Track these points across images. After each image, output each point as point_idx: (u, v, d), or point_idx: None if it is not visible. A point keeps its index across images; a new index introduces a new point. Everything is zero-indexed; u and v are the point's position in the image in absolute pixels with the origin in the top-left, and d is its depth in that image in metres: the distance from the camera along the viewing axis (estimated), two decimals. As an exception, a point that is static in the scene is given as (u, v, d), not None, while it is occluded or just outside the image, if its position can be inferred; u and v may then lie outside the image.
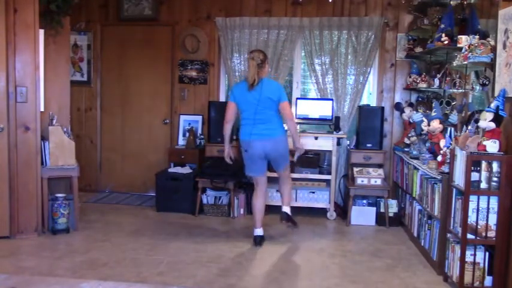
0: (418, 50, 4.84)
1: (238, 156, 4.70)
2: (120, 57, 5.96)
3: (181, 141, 5.70)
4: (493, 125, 3.07)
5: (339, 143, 5.19)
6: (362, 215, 4.88)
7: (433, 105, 4.28)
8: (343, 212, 5.12)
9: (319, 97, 5.35)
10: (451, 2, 4.19)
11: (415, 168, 4.20)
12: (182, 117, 5.75)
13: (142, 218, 4.92)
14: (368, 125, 4.98)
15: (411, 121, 4.69)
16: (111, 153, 6.08)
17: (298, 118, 5.23)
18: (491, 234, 3.06)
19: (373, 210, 4.90)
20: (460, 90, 4.19)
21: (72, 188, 4.38)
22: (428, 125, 4.13)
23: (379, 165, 5.04)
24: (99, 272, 3.41)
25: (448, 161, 3.47)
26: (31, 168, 4.12)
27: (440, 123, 4.05)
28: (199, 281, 3.31)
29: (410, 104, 5.10)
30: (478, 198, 3.06)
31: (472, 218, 3.08)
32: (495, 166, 3.03)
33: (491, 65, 3.37)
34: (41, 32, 4.21)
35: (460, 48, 3.68)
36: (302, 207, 5.14)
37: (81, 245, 4.03)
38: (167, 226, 4.65)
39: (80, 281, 3.08)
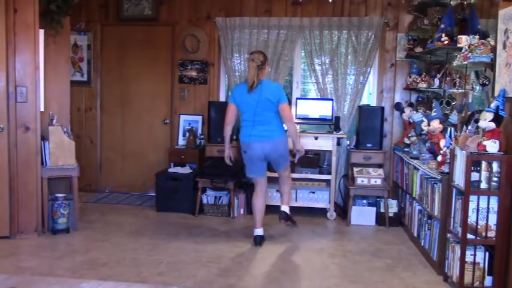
0: (418, 50, 4.84)
1: (238, 156, 4.70)
2: (120, 57, 5.96)
3: (181, 141, 5.70)
4: (493, 125, 3.07)
5: (339, 143, 5.20)
6: (362, 215, 4.88)
7: (433, 105, 4.28)
8: (343, 212, 5.12)
9: (319, 97, 5.36)
10: (451, 2, 4.20)
11: (415, 168, 4.20)
12: (182, 117, 5.75)
13: (142, 218, 4.92)
14: (368, 125, 4.98)
15: (411, 121, 4.69)
16: (111, 153, 6.09)
17: (298, 118, 5.24)
18: (491, 234, 3.06)
19: (373, 210, 4.90)
20: (460, 90, 4.20)
21: (72, 188, 4.38)
22: (428, 125, 4.13)
23: (379, 165, 5.04)
24: (99, 272, 3.41)
25: (448, 161, 3.47)
26: (31, 168, 4.12)
27: (440, 123, 4.05)
28: (199, 281, 3.31)
29: (410, 104, 5.10)
30: (478, 198, 3.06)
31: (472, 218, 3.08)
32: (495, 166, 3.03)
33: (491, 65, 3.37)
34: (41, 32, 4.21)
35: (460, 48, 3.68)
36: (302, 207, 5.14)
37: (81, 245, 4.03)
38: (167, 226, 4.65)
39: (80, 281, 3.08)
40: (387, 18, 5.27)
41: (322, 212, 5.14)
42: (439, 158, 3.65)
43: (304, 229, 4.66)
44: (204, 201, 5.09)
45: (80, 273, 3.38)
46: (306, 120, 5.28)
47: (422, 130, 4.30)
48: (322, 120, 5.23)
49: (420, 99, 5.11)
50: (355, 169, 4.97)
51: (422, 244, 3.98)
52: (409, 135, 4.65)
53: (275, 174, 4.42)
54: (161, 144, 5.90)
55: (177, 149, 5.59)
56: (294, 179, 4.94)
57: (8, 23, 3.94)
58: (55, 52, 4.44)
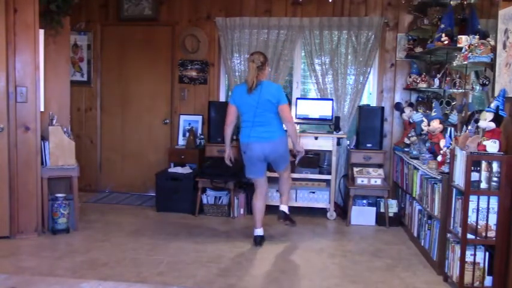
0: (418, 50, 4.84)
1: (238, 157, 4.70)
2: (120, 57, 5.96)
3: (181, 141, 5.70)
4: (493, 125, 3.07)
5: (339, 143, 5.20)
6: (362, 215, 4.88)
7: (433, 105, 4.28)
8: (343, 212, 5.12)
9: (319, 97, 5.36)
10: (451, 2, 4.20)
11: (415, 168, 4.20)
12: (182, 117, 5.75)
13: (142, 218, 4.92)
14: (368, 125, 4.98)
15: (411, 121, 4.69)
16: (111, 153, 6.09)
17: (298, 118, 5.24)
18: (491, 234, 3.06)
19: (373, 210, 4.90)
20: (460, 90, 4.20)
21: (72, 188, 4.38)
22: (428, 125, 4.13)
23: (379, 165, 5.04)
24: (99, 272, 3.41)
25: (448, 161, 3.47)
26: (31, 168, 4.12)
27: (440, 123, 4.05)
28: (199, 281, 3.31)
29: (410, 104, 5.10)
30: (478, 198, 3.06)
31: (472, 218, 3.08)
32: (495, 166, 3.03)
33: (491, 65, 3.37)
34: (41, 32, 4.21)
35: (460, 48, 3.68)
36: (302, 207, 5.14)
37: (81, 245, 4.03)
38: (167, 226, 4.65)
39: (80, 281, 3.09)
40: (387, 18, 5.27)
41: (322, 212, 5.14)
42: (439, 158, 3.65)
43: (304, 229, 4.66)
44: (204, 201, 5.09)
45: (80, 273, 3.38)
46: (306, 120, 5.28)
47: (422, 130, 4.30)
48: (322, 120, 5.24)
49: (420, 99, 5.11)
50: (355, 169, 4.97)
51: (422, 244, 3.98)
52: (409, 135, 4.65)
53: (275, 174, 4.42)
54: (161, 144, 5.90)
55: (177, 149, 5.59)
56: (294, 179, 4.94)
57: (8, 23, 3.94)
58: (55, 52, 4.44)
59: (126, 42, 5.92)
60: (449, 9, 4.13)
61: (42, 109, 4.25)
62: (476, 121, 3.20)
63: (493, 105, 3.09)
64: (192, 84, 5.74)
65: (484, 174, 3.05)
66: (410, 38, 5.10)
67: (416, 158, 4.29)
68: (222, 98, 5.78)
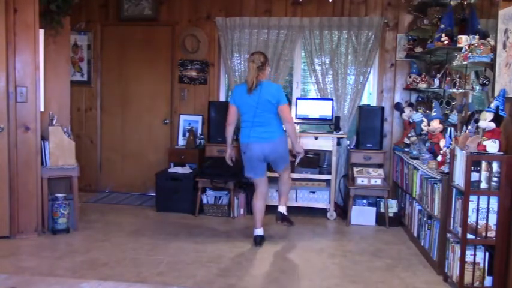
0: (418, 50, 4.84)
1: (238, 157, 4.70)
2: (120, 57, 5.96)
3: (181, 141, 5.70)
4: (493, 125, 3.07)
5: (339, 143, 5.20)
6: (362, 215, 4.88)
7: (433, 105, 4.28)
8: (343, 212, 5.12)
9: (319, 97, 5.36)
10: (451, 2, 4.20)
11: (415, 168, 4.20)
12: (182, 117, 5.75)
13: (142, 218, 4.92)
14: (368, 125, 4.98)
15: (411, 121, 4.69)
16: (111, 153, 6.09)
17: (298, 118, 5.24)
18: (491, 234, 3.06)
19: (373, 210, 4.90)
20: (460, 90, 4.20)
21: (72, 188, 4.38)
22: (428, 125, 4.13)
23: (379, 165, 5.04)
24: (99, 272, 3.41)
25: (448, 161, 3.47)
26: (31, 168, 4.12)
27: (440, 123, 4.05)
28: (199, 281, 3.31)
29: (410, 104, 5.10)
30: (478, 198, 3.06)
31: (472, 218, 3.08)
32: (495, 166, 3.03)
33: (491, 65, 3.37)
34: (41, 32, 4.21)
35: (460, 48, 3.68)
36: (302, 207, 5.14)
37: (81, 245, 4.03)
38: (167, 226, 4.65)
39: (80, 281, 3.09)
40: (387, 18, 5.27)
41: (322, 212, 5.14)
42: (439, 158, 3.65)
43: (304, 229, 4.66)
44: (204, 201, 5.09)
45: (80, 273, 3.38)
46: (306, 120, 5.28)
47: (422, 130, 4.30)
48: (322, 120, 5.24)
49: (420, 99, 5.11)
50: (355, 169, 4.97)
51: (422, 244, 3.98)
52: (409, 135, 4.65)
53: (275, 174, 4.42)
54: (161, 144, 5.90)
55: (177, 149, 5.59)
56: (294, 179, 4.94)
57: (8, 23, 3.94)
58: (55, 52, 4.44)
59: (126, 42, 5.92)
60: (449, 9, 4.13)
61: (42, 109, 4.25)
62: (476, 121, 3.20)
63: (493, 105, 3.09)
64: (192, 84, 5.74)
65: (484, 174, 3.05)
66: (410, 38, 5.10)
67: (416, 158, 4.29)
68: (222, 98, 5.78)
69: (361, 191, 4.89)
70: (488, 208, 3.06)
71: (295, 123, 4.91)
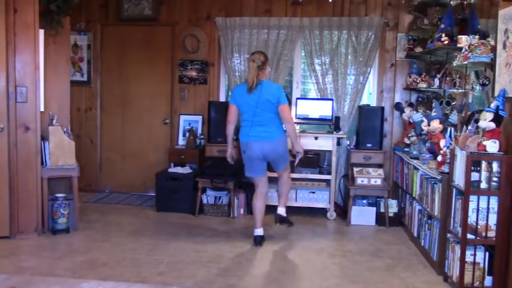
0: (418, 50, 4.84)
1: (239, 156, 4.70)
2: (120, 57, 5.96)
3: (181, 141, 5.70)
4: (493, 125, 3.07)
5: (339, 143, 5.19)
6: (362, 215, 4.88)
7: (433, 105, 4.28)
8: (343, 212, 5.12)
9: (319, 97, 5.36)
10: (451, 2, 4.20)
11: (415, 168, 4.20)
12: (182, 117, 5.75)
13: (142, 218, 4.92)
14: (368, 125, 4.98)
15: (411, 121, 4.69)
16: (111, 153, 6.09)
17: (298, 118, 5.24)
18: (491, 234, 3.06)
19: (373, 210, 4.90)
20: (460, 90, 4.19)
21: (72, 188, 4.38)
22: (428, 125, 4.12)
23: (379, 165, 5.04)
24: (99, 272, 3.41)
25: (448, 161, 3.47)
26: (31, 168, 4.12)
27: (440, 123, 4.05)
28: (199, 281, 3.31)
29: (410, 104, 5.10)
30: (478, 198, 3.06)
31: (472, 218, 3.08)
32: (495, 166, 3.03)
33: (491, 65, 3.37)
34: (41, 32, 4.21)
35: (460, 48, 3.68)
36: (302, 207, 5.14)
37: (81, 245, 4.03)
38: (167, 226, 4.65)
39: (80, 281, 3.09)
40: (387, 18, 5.27)
41: (322, 212, 5.14)
42: (439, 158, 3.65)
43: (304, 229, 4.66)
44: (204, 201, 5.09)
45: (80, 273, 3.38)
46: (306, 120, 5.28)
47: (422, 130, 4.30)
48: (322, 120, 5.24)
49: (420, 99, 5.10)
50: (355, 169, 4.97)
51: (422, 244, 3.98)
52: (409, 135, 4.65)
53: (275, 174, 4.42)
54: (161, 144, 5.90)
55: (177, 149, 5.59)
56: (294, 179, 4.94)
57: (8, 23, 3.93)
58: (55, 52, 4.44)
59: (126, 42, 5.92)
60: (449, 9, 4.13)
61: (42, 109, 4.25)
62: (476, 121, 3.20)
63: (493, 105, 3.09)
64: (192, 84, 5.74)
65: (484, 174, 3.05)
66: (410, 38, 5.10)
67: (416, 158, 4.29)
68: (222, 98, 5.78)
69: (361, 191, 4.89)
70: (488, 208, 3.06)
71: (295, 123, 4.91)
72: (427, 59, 4.89)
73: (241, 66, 5.48)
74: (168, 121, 5.89)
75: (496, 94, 3.22)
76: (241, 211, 5.08)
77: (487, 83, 3.54)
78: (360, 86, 5.28)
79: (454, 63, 3.67)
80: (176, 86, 5.80)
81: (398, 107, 5.23)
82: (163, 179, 5.18)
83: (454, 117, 3.89)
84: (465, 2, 4.15)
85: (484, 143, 3.07)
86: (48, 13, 4.23)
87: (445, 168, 3.51)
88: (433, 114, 4.12)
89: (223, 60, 5.63)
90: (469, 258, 3.12)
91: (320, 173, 5.16)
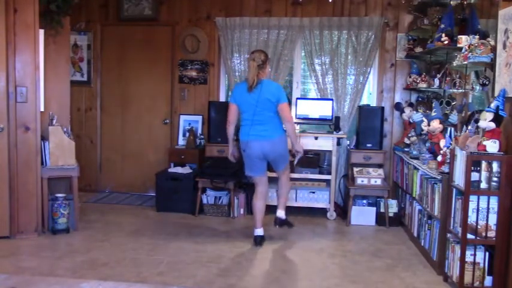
0: (418, 50, 4.84)
1: (240, 155, 4.70)
2: (120, 57, 5.96)
3: (181, 141, 5.70)
4: (493, 125, 3.07)
5: (339, 143, 5.19)
6: (362, 215, 4.88)
7: (433, 105, 4.28)
8: (343, 212, 5.12)
9: (319, 97, 5.36)
10: (451, 2, 4.20)
11: (415, 168, 4.20)
12: (182, 117, 5.75)
13: (143, 218, 4.92)
14: (368, 125, 4.98)
15: (411, 121, 4.69)
16: (111, 153, 6.09)
17: (298, 118, 5.24)
18: (491, 234, 3.06)
19: (373, 210, 4.90)
20: (460, 90, 4.20)
21: (72, 188, 4.38)
22: (428, 125, 4.13)
23: (379, 165, 5.04)
24: (99, 272, 3.41)
25: (448, 161, 3.47)
26: (31, 168, 4.12)
27: (440, 123, 4.05)
28: (199, 281, 3.31)
29: (410, 104, 5.10)
30: (478, 198, 3.06)
31: (472, 218, 3.08)
32: (495, 166, 3.03)
33: (491, 65, 3.37)
34: (41, 32, 4.21)
35: (460, 48, 3.68)
36: (302, 207, 5.14)
37: (81, 245, 4.03)
38: (167, 226, 4.65)
39: (80, 281, 3.09)
40: (387, 18, 5.27)
41: (322, 212, 5.14)
42: (439, 158, 3.65)
43: (304, 229, 4.66)
44: (204, 201, 5.09)
45: (80, 273, 3.38)
46: (306, 120, 5.28)
47: (422, 130, 4.30)
48: (322, 120, 5.24)
49: (420, 99, 5.11)
50: (355, 169, 4.97)
51: (422, 244, 3.98)
52: (409, 135, 4.65)
53: (275, 174, 4.42)
54: (161, 144, 5.90)
55: (177, 149, 5.59)
56: (294, 179, 4.95)
57: (8, 23, 3.93)
58: (55, 52, 4.44)
59: (126, 42, 5.92)
60: (449, 9, 4.13)
61: (42, 109, 4.25)
62: (476, 121, 3.20)
63: (493, 105, 3.09)
64: (192, 84, 5.74)
65: (484, 174, 3.05)
66: (410, 38, 5.10)
67: (416, 158, 4.29)
68: (222, 98, 5.78)
69: (361, 191, 4.89)
70: (488, 208, 3.06)
71: (295, 123, 4.91)
72: (427, 59, 4.89)
73: (241, 66, 5.48)
74: (168, 121, 5.89)
75: (496, 94, 3.22)
76: (241, 211, 5.08)
77: (487, 83, 3.54)
78: (360, 86, 5.28)
79: (454, 63, 3.67)
80: (176, 86, 5.80)
81: (398, 107, 5.23)
82: (163, 179, 5.18)
83: (454, 117, 3.89)
84: (465, 2, 4.15)
85: (484, 143, 3.07)
86: (48, 13, 4.23)
87: (445, 168, 3.51)
88: (433, 114, 4.12)
89: (223, 60, 5.63)
90: (469, 258, 3.12)
91: (320, 173, 5.16)
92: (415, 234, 4.21)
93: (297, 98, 5.37)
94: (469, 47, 3.43)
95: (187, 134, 5.54)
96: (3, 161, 4.01)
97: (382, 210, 4.86)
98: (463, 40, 3.74)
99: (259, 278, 3.41)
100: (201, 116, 5.69)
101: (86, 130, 6.05)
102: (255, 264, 3.70)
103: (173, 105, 5.83)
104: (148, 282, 3.25)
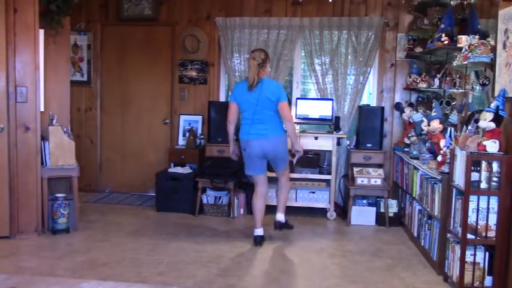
0: (418, 50, 4.84)
1: (240, 155, 4.70)
2: (120, 57, 5.96)
3: (181, 141, 5.70)
4: (493, 125, 3.07)
5: (339, 143, 5.19)
6: (362, 215, 4.88)
7: (433, 105, 4.28)
8: (343, 212, 5.12)
9: (319, 97, 5.36)
10: (451, 2, 4.20)
11: (415, 168, 4.20)
12: (182, 117, 5.75)
13: (143, 218, 4.92)
14: (368, 125, 4.98)
15: (411, 121, 4.69)
16: (111, 153, 6.08)
17: (298, 118, 5.24)
18: (491, 234, 3.06)
19: (373, 210, 4.90)
20: (460, 90, 4.20)
21: (72, 188, 4.38)
22: (428, 125, 4.13)
23: (379, 165, 5.04)
24: (99, 272, 3.41)
25: (448, 161, 3.47)
26: (31, 168, 4.12)
27: (440, 123, 4.05)
28: (199, 281, 3.31)
29: (410, 104, 5.10)
30: (478, 198, 3.06)
31: (472, 218, 3.08)
32: (495, 166, 3.03)
33: (491, 65, 3.37)
34: (41, 32, 4.21)
35: (460, 48, 3.69)
36: (302, 207, 5.14)
37: (81, 245, 4.03)
38: (167, 226, 4.65)
39: (80, 281, 3.09)
40: (387, 18, 5.27)
41: (322, 212, 5.14)
42: (439, 158, 3.65)
43: (304, 229, 4.66)
44: (204, 201, 5.09)
45: (80, 273, 3.38)
46: (306, 120, 5.28)
47: (422, 130, 4.30)
48: (322, 120, 5.24)
49: (420, 99, 5.11)
50: (355, 169, 4.97)
51: (422, 244, 3.98)
52: (409, 135, 4.65)
53: (275, 175, 4.41)
54: (161, 144, 5.90)
55: (177, 149, 5.59)
56: (294, 179, 4.95)
57: (8, 23, 3.93)
58: (55, 52, 4.44)
59: (126, 42, 5.92)
60: (449, 9, 4.13)
61: (42, 109, 4.25)
62: (476, 121, 3.20)
63: (493, 105, 3.09)
64: (192, 84, 5.74)
65: (484, 174, 3.05)
66: (410, 38, 5.10)
67: (416, 158, 4.29)
68: (222, 98, 5.78)
69: (361, 191, 4.89)
70: (488, 208, 3.06)
71: (295, 123, 4.91)
72: (427, 59, 4.89)
73: (241, 66, 5.48)
74: (168, 121, 5.89)
75: (496, 94, 3.22)
76: (241, 211, 5.08)
77: (487, 83, 3.54)
78: (360, 86, 5.28)
79: (454, 63, 3.67)
80: (176, 86, 5.80)
81: (398, 107, 5.23)
82: (163, 179, 5.18)
83: (454, 117, 3.89)
84: (465, 2, 4.15)
85: (484, 143, 3.07)
86: (48, 13, 4.23)
87: (445, 168, 3.51)
88: (433, 114, 4.12)
89: (223, 60, 5.63)
90: (469, 258, 3.12)
91: (320, 173, 5.16)
92: (415, 234, 4.21)
93: (297, 98, 5.37)
94: (469, 47, 3.43)
95: (187, 134, 5.54)
96: (3, 161, 4.01)
97: (382, 210, 4.86)
98: (463, 40, 3.74)
99: (259, 278, 3.41)
100: (201, 116, 5.69)
101: (86, 130, 6.05)
102: (255, 264, 3.70)
103: (173, 105, 5.83)
104: (148, 282, 3.25)
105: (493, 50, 3.32)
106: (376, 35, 5.22)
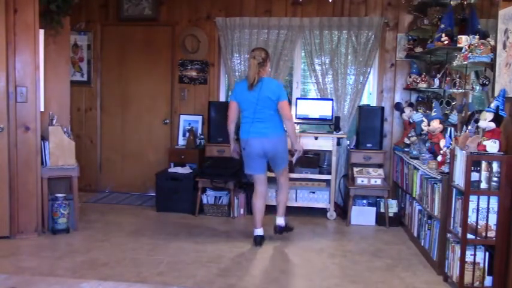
0: (418, 50, 4.84)
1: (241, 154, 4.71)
2: (120, 57, 5.96)
3: (181, 141, 5.70)
4: (493, 125, 3.07)
5: (339, 143, 5.19)
6: (362, 215, 4.88)
7: (433, 105, 4.28)
8: (343, 212, 5.12)
9: (319, 97, 5.36)
10: (451, 2, 4.20)
11: (415, 168, 4.20)
12: (182, 117, 5.75)
13: (143, 218, 4.92)
14: (368, 125, 4.98)
15: (411, 121, 4.69)
16: (111, 153, 6.09)
17: (298, 118, 5.24)
18: (491, 234, 3.06)
19: (373, 210, 4.90)
20: (460, 90, 4.20)
21: (72, 188, 4.38)
22: (428, 125, 4.13)
23: (379, 165, 5.04)
24: (99, 272, 3.41)
25: (448, 161, 3.47)
26: (31, 168, 4.12)
27: (440, 123, 4.05)
28: (199, 281, 3.31)
29: (410, 104, 5.11)
30: (478, 198, 3.06)
31: (472, 218, 3.08)
32: (495, 166, 3.03)
33: (491, 65, 3.37)
34: (41, 32, 4.21)
35: (460, 48, 3.69)
36: (302, 207, 5.14)
37: (81, 245, 4.03)
38: (167, 226, 4.65)
39: (80, 281, 3.09)
40: (387, 18, 5.27)
41: (322, 212, 5.14)
42: (439, 158, 3.65)
43: (304, 229, 4.66)
44: (204, 201, 5.09)
45: (80, 273, 3.38)
46: (306, 120, 5.28)
47: (422, 130, 4.30)
48: (322, 120, 5.24)
49: (420, 99, 5.11)
50: (355, 169, 4.97)
51: (422, 244, 3.98)
52: (409, 135, 4.65)
53: (275, 175, 4.41)
54: (161, 144, 5.90)
55: (177, 149, 5.59)
56: (294, 179, 4.95)
57: (8, 23, 3.93)
58: (55, 52, 4.44)
59: (126, 42, 5.92)
60: (449, 9, 4.13)
61: (42, 109, 4.25)
62: (476, 121, 3.20)
63: (493, 105, 3.09)
64: (192, 84, 5.74)
65: (484, 174, 3.05)
66: (410, 38, 5.10)
67: (416, 158, 4.29)
68: (222, 98, 5.78)
69: (361, 191, 4.89)
70: (488, 208, 3.06)
71: (296, 123, 4.91)
72: (427, 59, 4.89)
73: (241, 66, 5.48)
74: (168, 121, 5.89)
75: (496, 94, 3.22)
76: (241, 211, 5.08)
77: (487, 83, 3.54)
78: (360, 86, 5.28)
79: (454, 63, 3.67)
80: (176, 86, 5.80)
81: (398, 107, 5.23)
82: (163, 179, 5.18)
83: (454, 117, 3.89)
84: (465, 2, 4.15)
85: (484, 143, 3.07)
86: (48, 13, 4.23)
87: (445, 168, 3.51)
88: (433, 114, 4.12)
89: (223, 60, 5.63)
90: (469, 258, 3.12)
91: (320, 173, 5.16)
92: (415, 234, 4.21)
93: (297, 98, 5.37)
94: (469, 47, 3.44)
95: (187, 134, 5.54)
96: (3, 161, 4.01)
97: (382, 210, 4.86)
98: (463, 40, 3.74)
99: (259, 278, 3.41)
100: (201, 116, 5.69)
101: (86, 130, 6.05)
102: (255, 264, 3.70)
103: (173, 105, 5.83)
104: (148, 282, 3.25)
105: (493, 50, 3.32)
106: (376, 35, 5.22)
